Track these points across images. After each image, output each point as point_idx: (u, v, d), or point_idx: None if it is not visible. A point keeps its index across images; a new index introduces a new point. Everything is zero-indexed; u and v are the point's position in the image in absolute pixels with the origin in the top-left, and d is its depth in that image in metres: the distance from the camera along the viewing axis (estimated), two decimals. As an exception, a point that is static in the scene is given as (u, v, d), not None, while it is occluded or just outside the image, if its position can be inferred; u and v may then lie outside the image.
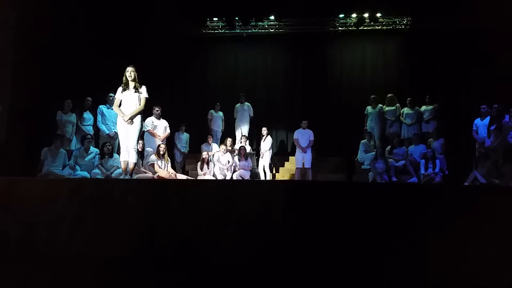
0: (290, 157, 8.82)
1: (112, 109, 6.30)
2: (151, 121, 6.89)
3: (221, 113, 9.02)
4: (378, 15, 9.20)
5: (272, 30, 9.88)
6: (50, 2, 6.82)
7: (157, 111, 6.97)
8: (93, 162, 6.26)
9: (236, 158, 7.70)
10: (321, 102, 9.57)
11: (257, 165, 8.28)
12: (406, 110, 8.16)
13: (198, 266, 3.16)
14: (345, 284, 2.95)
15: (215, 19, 9.74)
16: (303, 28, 9.66)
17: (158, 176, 5.96)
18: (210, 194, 3.58)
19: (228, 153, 7.66)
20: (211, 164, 7.32)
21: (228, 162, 7.52)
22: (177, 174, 6.42)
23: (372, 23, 9.35)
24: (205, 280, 2.98)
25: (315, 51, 9.92)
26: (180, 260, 3.24)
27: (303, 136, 7.92)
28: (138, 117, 5.01)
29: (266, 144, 8.26)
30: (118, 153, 5.57)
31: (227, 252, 3.22)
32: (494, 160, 5.96)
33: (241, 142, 8.33)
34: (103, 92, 6.96)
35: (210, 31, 9.95)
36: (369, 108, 8.37)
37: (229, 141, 8.11)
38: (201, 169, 7.19)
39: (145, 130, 6.65)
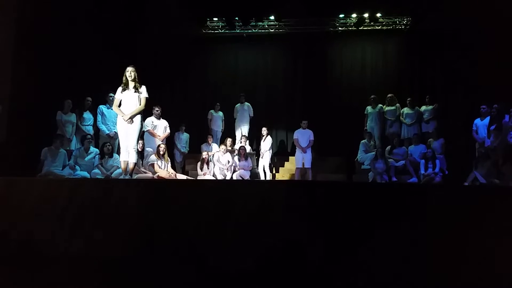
0: (290, 157, 8.83)
1: (112, 109, 6.30)
2: (151, 121, 6.90)
3: (221, 113, 9.02)
4: (378, 15, 9.21)
5: (272, 30, 9.89)
6: (50, 2, 6.82)
7: (157, 111, 6.97)
8: (93, 162, 6.26)
9: (236, 158, 7.70)
10: (321, 102, 9.58)
11: (257, 165, 8.28)
12: (406, 110, 8.17)
13: (198, 266, 3.16)
14: (345, 284, 2.95)
15: (215, 19, 9.75)
16: (303, 28, 9.66)
17: (158, 176, 5.96)
18: (210, 194, 3.58)
19: (228, 153, 7.66)
20: (211, 164, 7.32)
21: (228, 162, 7.52)
22: (177, 174, 6.42)
23: (372, 23, 9.36)
24: (205, 280, 2.97)
25: (315, 51, 9.92)
26: (180, 261, 3.24)
27: (303, 136, 7.92)
28: (138, 117, 5.00)
29: (266, 144, 8.26)
30: (118, 153, 5.57)
31: (227, 252, 3.22)
32: (494, 160, 5.96)
33: (241, 142, 8.33)
34: (103, 92, 6.96)
35: (210, 31, 9.96)
36: (369, 108, 8.38)
37: (229, 141, 8.11)
38: (201, 169, 7.19)
39: (145, 130, 6.65)
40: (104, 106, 6.91)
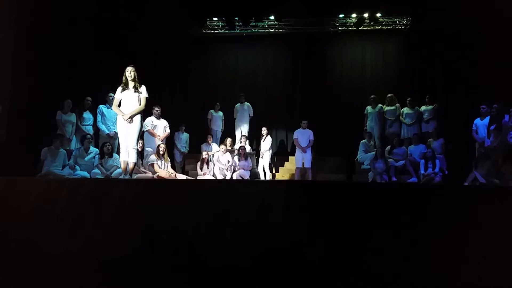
0: (290, 157, 8.83)
1: (112, 109, 6.30)
2: (150, 121, 6.90)
3: (221, 113, 9.02)
4: (378, 15, 9.21)
5: (272, 30, 9.88)
6: (50, 2, 6.82)
7: (157, 111, 6.97)
8: (93, 162, 6.26)
9: (236, 158, 7.70)
10: (321, 102, 9.58)
11: (257, 165, 8.28)
12: (406, 110, 8.17)
13: (198, 266, 3.16)
14: (345, 284, 2.95)
15: (215, 19, 9.74)
16: (303, 28, 9.66)
17: (158, 176, 5.96)
18: (210, 194, 3.58)
19: (228, 153, 7.66)
20: (211, 164, 7.32)
21: (228, 162, 7.52)
22: (177, 174, 6.42)
23: (372, 23, 9.35)
24: (205, 280, 2.97)
25: (315, 51, 9.92)
26: (180, 260, 3.24)
27: (303, 136, 7.92)
28: (138, 117, 5.00)
29: (266, 144, 8.26)
30: (118, 153, 5.57)
31: (227, 252, 3.22)
32: (494, 160, 5.97)
33: (241, 142, 8.33)
34: (103, 92, 6.96)
35: (210, 31, 9.95)
36: (369, 108, 8.38)
37: (229, 141, 8.11)
38: (201, 169, 7.19)
39: (145, 130, 6.65)
40: (104, 106, 6.91)
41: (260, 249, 3.19)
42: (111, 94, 6.38)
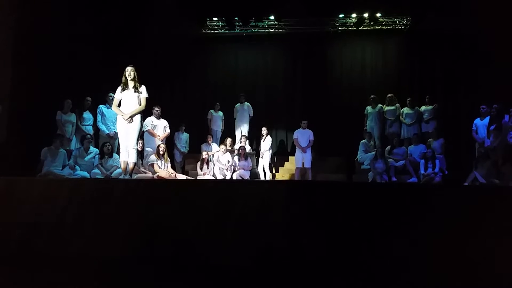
0: (290, 157, 8.82)
1: (112, 109, 6.30)
2: (150, 121, 6.90)
3: (221, 113, 9.02)
4: (378, 15, 9.20)
5: (272, 30, 9.88)
6: (50, 2, 6.82)
7: (157, 111, 6.97)
8: (93, 162, 6.26)
9: (236, 158, 7.70)
10: (321, 102, 9.57)
11: (257, 165, 8.28)
12: (406, 110, 8.16)
13: (198, 266, 3.16)
14: (345, 284, 2.95)
15: (215, 19, 9.74)
16: (303, 28, 9.66)
17: (158, 176, 5.96)
18: (210, 194, 3.58)
19: (228, 153, 7.66)
20: (210, 164, 7.32)
21: (228, 162, 7.52)
22: (177, 174, 6.42)
23: (372, 23, 9.35)
24: (205, 280, 2.97)
25: (315, 51, 9.92)
26: (180, 260, 3.24)
27: (303, 136, 7.92)
28: (138, 117, 4.99)
29: (266, 144, 8.26)
30: (118, 153, 5.56)
31: (227, 252, 3.22)
32: (493, 160, 5.96)
33: (240, 142, 8.33)
34: (103, 92, 6.96)
35: (210, 31, 9.95)
36: (369, 108, 8.38)
37: (229, 141, 8.11)
38: (201, 169, 7.19)
39: (145, 130, 6.65)
40: (104, 106, 6.90)
41: (260, 249, 3.19)
42: (111, 94, 6.37)
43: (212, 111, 8.93)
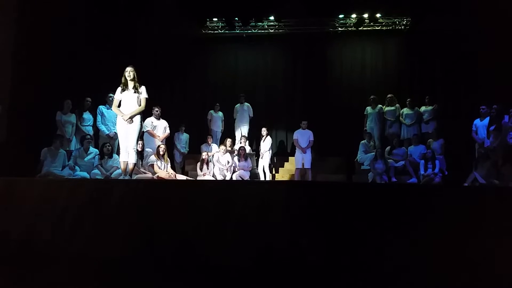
0: (289, 158, 8.82)
1: (111, 110, 6.30)
2: (150, 121, 6.90)
3: (220, 114, 9.02)
4: (378, 15, 9.21)
5: (272, 31, 9.89)
6: (50, 2, 6.81)
7: (157, 111, 6.97)
8: (93, 162, 6.26)
9: (235, 158, 7.70)
10: (321, 102, 9.58)
11: (257, 166, 8.28)
12: (405, 110, 8.16)
13: (198, 267, 3.15)
14: (345, 284, 2.95)
15: (215, 19, 9.75)
16: (303, 28, 9.67)
17: (158, 176, 5.96)
18: (209, 194, 3.58)
19: (228, 154, 7.66)
20: (210, 164, 7.32)
21: (228, 162, 7.52)
22: (176, 175, 6.42)
23: (372, 23, 9.36)
24: (205, 280, 2.97)
25: (315, 51, 9.93)
26: (180, 261, 3.24)
27: (302, 136, 7.91)
28: (138, 118, 4.99)
29: (266, 144, 8.26)
30: (118, 153, 5.56)
31: (226, 253, 3.22)
32: (493, 161, 5.97)
33: (240, 143, 8.33)
34: (102, 93, 6.95)
35: (210, 31, 9.96)
36: (368, 109, 8.38)
37: (228, 141, 8.11)
38: (201, 169, 7.19)
39: (145, 130, 6.65)
40: (103, 106, 6.90)
41: (260, 250, 3.19)
42: (111, 95, 6.37)
43: (212, 111, 8.93)
